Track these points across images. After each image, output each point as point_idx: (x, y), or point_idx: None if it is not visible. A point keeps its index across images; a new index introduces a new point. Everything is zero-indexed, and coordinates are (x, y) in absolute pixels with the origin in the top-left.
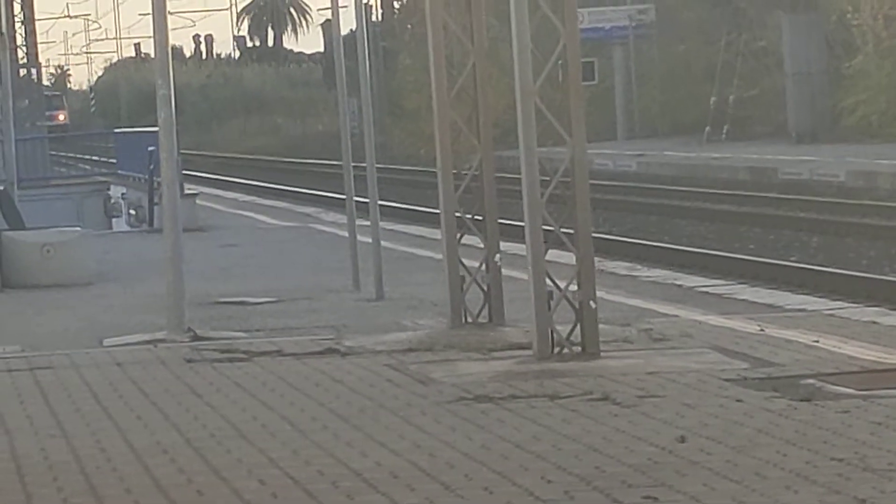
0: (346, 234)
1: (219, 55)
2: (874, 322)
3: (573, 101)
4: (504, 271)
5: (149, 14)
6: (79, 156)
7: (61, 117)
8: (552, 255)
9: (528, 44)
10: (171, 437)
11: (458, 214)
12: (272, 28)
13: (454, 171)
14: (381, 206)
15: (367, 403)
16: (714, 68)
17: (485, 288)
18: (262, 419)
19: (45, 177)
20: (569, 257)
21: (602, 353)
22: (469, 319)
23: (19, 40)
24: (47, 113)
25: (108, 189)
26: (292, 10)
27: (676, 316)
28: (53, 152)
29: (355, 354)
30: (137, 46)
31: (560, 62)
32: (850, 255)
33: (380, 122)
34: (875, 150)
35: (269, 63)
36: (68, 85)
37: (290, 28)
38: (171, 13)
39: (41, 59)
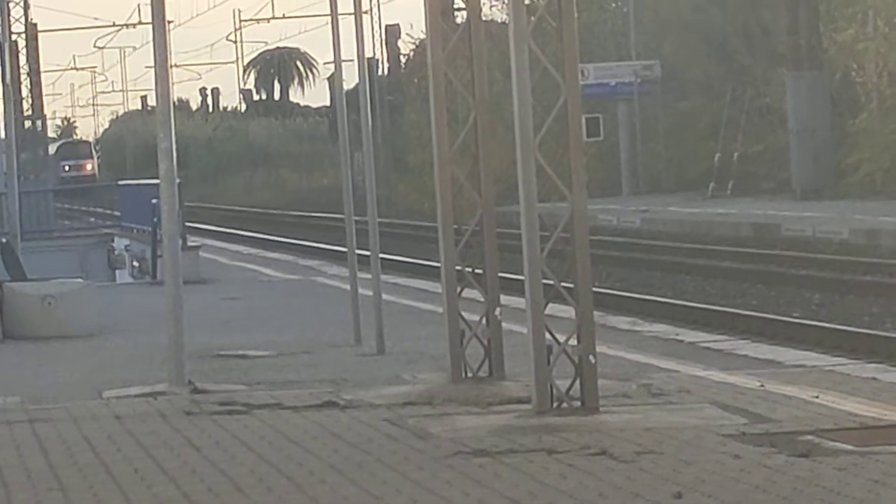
0: (348, 288)
1: (225, 108)
2: (874, 378)
3: (574, 156)
4: (504, 325)
5: (153, 67)
6: (83, 208)
7: (89, 167)
8: (552, 309)
9: (528, 98)
10: (168, 491)
11: (458, 268)
12: (279, 81)
13: (455, 226)
14: (383, 259)
15: (364, 457)
16: (718, 125)
17: (485, 342)
18: (259, 473)
19: (49, 229)
20: (569, 312)
21: (601, 408)
22: (469, 373)
23: (24, 92)
24: (72, 162)
25: (112, 241)
26: (299, 63)
27: (677, 371)
28: (76, 206)
29: (354, 408)
30: (143, 99)
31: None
32: (851, 311)
33: (385, 176)
34: (879, 207)
35: (276, 116)
36: (74, 137)
37: (296, 82)
38: (177, 66)
39: (47, 111)
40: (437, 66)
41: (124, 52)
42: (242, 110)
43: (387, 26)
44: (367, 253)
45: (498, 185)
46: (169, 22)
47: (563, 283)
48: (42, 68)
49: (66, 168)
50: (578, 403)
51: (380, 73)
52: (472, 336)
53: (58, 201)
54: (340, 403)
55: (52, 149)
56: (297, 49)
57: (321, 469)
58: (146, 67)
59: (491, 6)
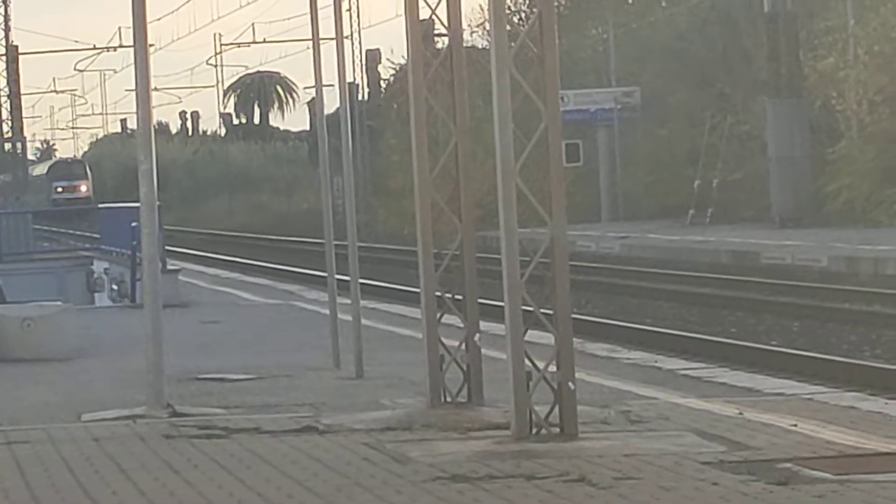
0: (328, 312)
1: (205, 132)
2: (853, 407)
3: (554, 182)
4: (484, 351)
5: (134, 90)
6: (62, 230)
7: (83, 189)
8: (532, 335)
9: (509, 125)
10: None
11: (438, 294)
12: (259, 106)
13: (435, 251)
14: (362, 284)
15: (343, 482)
16: (698, 151)
17: (464, 367)
18: (238, 496)
19: (28, 251)
20: (549, 338)
21: (580, 435)
22: (448, 399)
23: (4, 114)
24: (65, 183)
25: (91, 264)
26: (279, 87)
27: (655, 398)
28: (68, 230)
29: (333, 432)
30: (123, 122)
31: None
32: (830, 339)
33: (365, 200)
34: (858, 235)
35: (255, 140)
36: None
37: (276, 106)
38: (157, 89)
39: (27, 133)
40: (418, 91)
41: (104, 75)
42: (222, 134)
43: (367, 51)
44: (347, 278)
45: (477, 211)
46: (150, 45)
47: (543, 310)
48: (22, 90)
49: (59, 189)
50: (557, 429)
51: (360, 97)
52: (452, 361)
53: (45, 224)
54: (319, 427)
55: (42, 168)
56: (278, 73)
57: (300, 493)
58: (126, 91)
59: (472, 32)
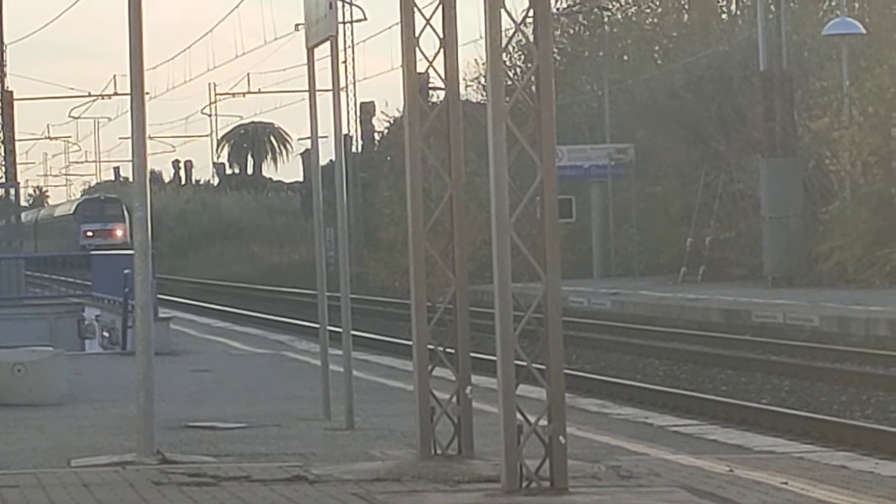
0: (319, 363)
1: (198, 181)
2: (843, 466)
3: (549, 236)
4: (475, 404)
5: (129, 138)
6: (54, 276)
7: (119, 233)
8: (523, 389)
9: (505, 178)
10: None
11: (430, 346)
12: (252, 156)
13: (428, 304)
14: (354, 336)
15: None
16: (691, 209)
17: (455, 420)
18: None
19: (19, 296)
20: (540, 392)
21: (570, 489)
22: (438, 451)
23: None
24: (97, 226)
25: (83, 310)
26: (272, 138)
27: (646, 454)
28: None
29: (323, 482)
30: (116, 170)
31: (537, 198)
32: (821, 399)
33: (356, 253)
34: (850, 295)
35: (248, 190)
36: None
37: (269, 156)
38: (151, 138)
39: (20, 179)
40: (414, 144)
41: (98, 122)
42: (215, 183)
43: (361, 104)
44: (338, 329)
45: (469, 264)
46: (146, 94)
47: (535, 364)
48: (16, 136)
49: (89, 233)
50: (548, 483)
51: (354, 149)
52: (443, 413)
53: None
54: (309, 478)
55: (68, 208)
56: (272, 124)
57: None
58: (120, 138)
59: (466, 86)
